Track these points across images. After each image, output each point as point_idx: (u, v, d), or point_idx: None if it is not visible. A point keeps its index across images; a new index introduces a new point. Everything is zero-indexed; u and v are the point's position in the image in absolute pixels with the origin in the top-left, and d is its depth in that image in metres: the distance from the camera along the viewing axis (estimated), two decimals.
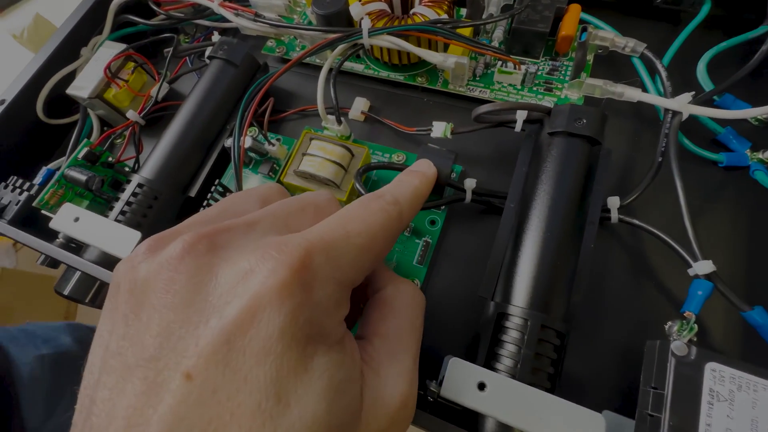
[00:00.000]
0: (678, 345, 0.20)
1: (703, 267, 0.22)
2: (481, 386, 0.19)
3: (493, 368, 0.20)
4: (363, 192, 0.25)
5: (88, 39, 0.38)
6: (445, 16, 0.30)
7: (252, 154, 0.31)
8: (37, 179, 0.32)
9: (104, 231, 0.26)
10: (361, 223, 0.15)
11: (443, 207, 0.28)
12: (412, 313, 0.18)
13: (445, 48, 0.32)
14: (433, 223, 0.29)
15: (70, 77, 0.35)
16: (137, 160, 0.33)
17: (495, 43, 0.32)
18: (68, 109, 0.38)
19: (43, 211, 0.29)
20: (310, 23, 0.37)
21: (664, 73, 0.28)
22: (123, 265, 0.14)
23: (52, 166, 0.33)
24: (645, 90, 0.29)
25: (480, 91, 0.32)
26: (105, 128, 0.37)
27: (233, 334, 0.11)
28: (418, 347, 0.18)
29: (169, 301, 0.12)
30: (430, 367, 0.25)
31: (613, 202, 0.26)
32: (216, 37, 0.36)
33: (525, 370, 0.19)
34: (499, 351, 0.20)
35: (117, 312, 0.13)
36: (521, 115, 0.26)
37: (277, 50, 0.37)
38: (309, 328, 0.12)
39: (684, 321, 0.21)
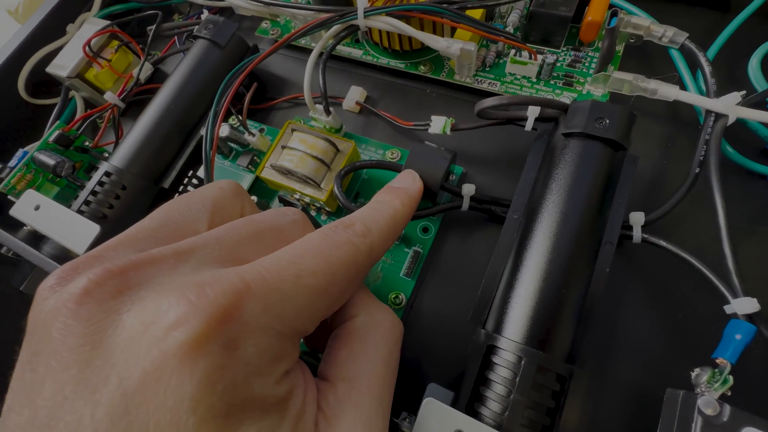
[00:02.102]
0: (707, 401, 0.16)
1: (744, 305, 0.18)
2: None
3: (476, 412, 0.17)
4: (340, 197, 0.22)
5: (77, 15, 0.36)
6: None
7: (232, 145, 0.29)
8: (12, 162, 0.30)
9: (63, 222, 0.24)
10: (320, 259, 0.12)
11: (437, 214, 0.25)
12: (388, 352, 0.15)
13: (452, 32, 0.28)
14: (425, 230, 0.25)
15: (56, 55, 0.34)
16: (116, 146, 0.31)
17: (509, 29, 0.28)
18: (55, 90, 0.36)
19: (9, 197, 0.27)
20: (308, 2, 0.34)
21: (707, 69, 0.24)
22: (35, 297, 0.12)
23: (28, 148, 0.32)
24: (684, 88, 0.25)
25: (489, 83, 0.28)
26: (89, 111, 0.35)
27: (134, 404, 0.09)
28: (392, 394, 0.15)
29: (64, 356, 0.10)
30: (409, 395, 0.22)
31: (637, 218, 0.22)
32: (206, 15, 0.33)
33: (514, 419, 0.16)
34: (485, 392, 0.17)
35: (21, 358, 0.11)
36: (533, 112, 0.23)
37: (271, 32, 0.34)
38: (232, 395, 0.10)
39: (716, 370, 0.17)
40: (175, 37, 0.35)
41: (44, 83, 0.35)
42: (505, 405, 0.16)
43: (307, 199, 0.26)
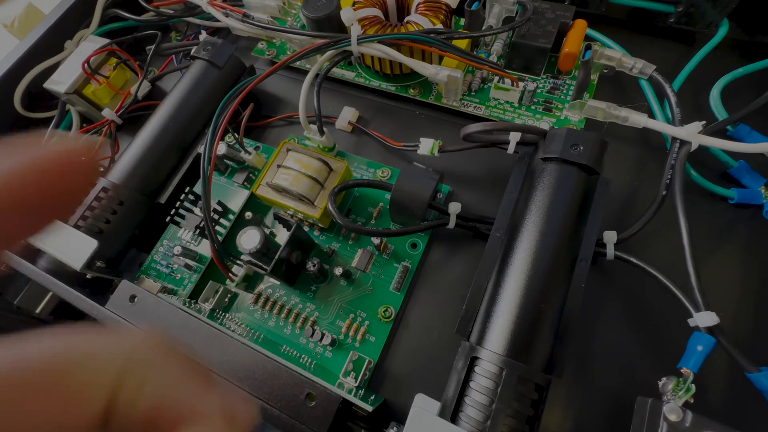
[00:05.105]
0: (671, 408, 0.18)
1: (705, 319, 0.20)
2: None
3: (461, 421, 0.18)
4: (334, 213, 0.23)
5: (75, 32, 0.37)
6: (440, 26, 0.28)
7: (228, 162, 0.30)
8: None
9: (60, 237, 0.24)
10: None
11: (425, 231, 0.26)
12: None
13: (440, 60, 0.30)
14: (414, 246, 0.27)
15: (54, 70, 0.34)
16: (112, 160, 0.32)
17: (493, 57, 0.30)
18: (50, 104, 0.36)
19: None
20: (303, 27, 0.35)
21: (673, 99, 0.26)
22: None
23: None
24: (652, 116, 0.27)
25: (474, 107, 0.30)
26: (85, 125, 0.36)
27: None
28: None
29: None
30: (397, 405, 0.23)
31: (610, 236, 0.23)
32: (204, 36, 0.34)
33: (495, 427, 0.17)
34: (469, 401, 0.18)
35: None
36: (514, 137, 0.24)
37: (267, 53, 0.35)
38: None
39: (680, 379, 0.19)
40: (173, 56, 0.36)
41: (40, 97, 0.36)
42: (487, 414, 0.18)
43: (300, 216, 0.27)
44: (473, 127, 0.24)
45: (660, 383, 0.19)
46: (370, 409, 0.19)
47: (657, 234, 0.25)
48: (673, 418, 0.17)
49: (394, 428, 0.20)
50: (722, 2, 0.27)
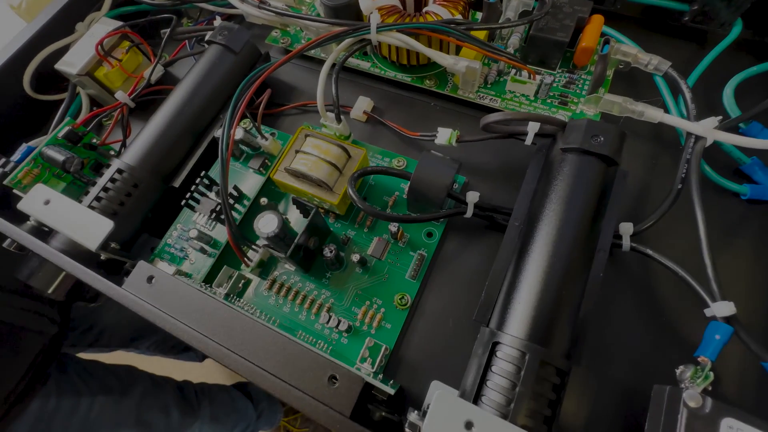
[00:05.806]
0: (691, 395, 0.18)
1: (722, 308, 0.20)
2: (469, 425, 0.17)
3: (482, 404, 0.18)
4: (354, 197, 0.23)
5: (86, 14, 0.36)
6: (459, 16, 0.28)
7: (244, 147, 0.29)
8: (16, 156, 0.30)
9: (75, 217, 0.24)
10: None
11: (442, 219, 0.26)
12: None
13: (457, 51, 0.30)
14: (430, 235, 0.27)
15: (63, 52, 0.34)
16: (124, 144, 0.32)
17: (510, 50, 0.30)
18: (59, 85, 0.36)
19: (15, 191, 0.27)
20: (318, 15, 0.35)
21: (688, 95, 0.26)
22: None
23: (33, 143, 0.31)
24: (667, 111, 0.27)
25: (490, 99, 0.30)
26: (95, 108, 0.35)
27: None
28: None
29: None
30: (413, 392, 0.23)
31: (626, 228, 0.24)
32: (218, 22, 0.34)
33: (519, 410, 0.17)
34: (491, 385, 0.18)
35: None
36: (533, 128, 0.24)
37: (282, 41, 0.35)
38: None
39: (698, 367, 0.19)
40: (186, 41, 0.36)
41: (49, 80, 0.35)
42: (510, 397, 0.18)
43: (316, 202, 0.27)
44: (493, 117, 0.24)
45: (677, 371, 0.19)
46: (392, 392, 0.19)
47: (671, 227, 0.25)
48: (693, 404, 0.17)
49: (415, 412, 0.20)
50: (737, 2, 0.28)
